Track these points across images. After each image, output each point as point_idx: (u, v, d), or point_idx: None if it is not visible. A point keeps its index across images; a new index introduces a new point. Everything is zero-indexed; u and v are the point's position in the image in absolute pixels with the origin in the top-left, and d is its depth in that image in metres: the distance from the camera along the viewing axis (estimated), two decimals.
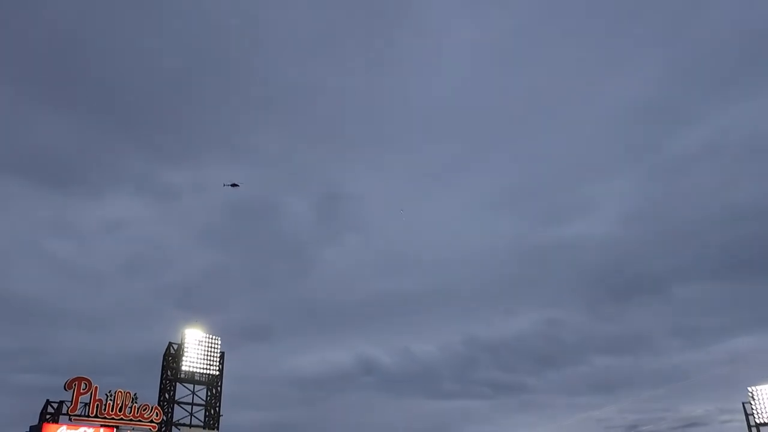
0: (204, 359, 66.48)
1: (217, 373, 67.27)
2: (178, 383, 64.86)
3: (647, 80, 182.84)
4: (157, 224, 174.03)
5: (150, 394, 62.18)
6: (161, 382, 64.03)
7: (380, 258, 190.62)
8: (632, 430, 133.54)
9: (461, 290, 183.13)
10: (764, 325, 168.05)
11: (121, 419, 56.59)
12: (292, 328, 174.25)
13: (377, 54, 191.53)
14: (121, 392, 57.10)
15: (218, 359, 67.65)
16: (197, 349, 66.40)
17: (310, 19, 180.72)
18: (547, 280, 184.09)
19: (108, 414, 55.73)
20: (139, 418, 57.86)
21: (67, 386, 54.21)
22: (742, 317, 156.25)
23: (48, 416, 53.52)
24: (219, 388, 67.19)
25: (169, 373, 64.59)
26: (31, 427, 53.59)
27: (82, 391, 54.67)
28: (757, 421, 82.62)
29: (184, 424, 63.88)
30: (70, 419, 54.04)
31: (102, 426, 55.49)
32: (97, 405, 55.24)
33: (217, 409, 66.30)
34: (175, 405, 63.93)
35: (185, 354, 65.49)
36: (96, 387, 55.52)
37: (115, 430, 56.33)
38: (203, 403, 66.11)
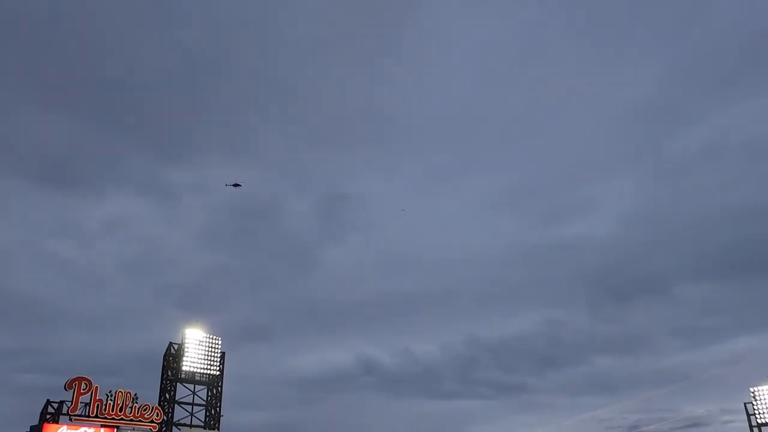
0: (204, 359, 66.38)
1: (218, 373, 67.16)
2: (178, 383, 64.75)
3: (648, 81, 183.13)
4: (158, 224, 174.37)
5: (150, 395, 62.21)
6: (162, 382, 63.94)
7: (381, 258, 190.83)
8: (633, 431, 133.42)
9: (462, 290, 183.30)
10: (765, 325, 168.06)
11: (122, 419, 56.51)
12: (292, 328, 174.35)
13: (380, 55, 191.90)
14: (121, 392, 57.01)
15: (219, 359, 67.53)
16: (198, 349, 66.29)
17: (312, 19, 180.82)
18: (548, 280, 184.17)
19: (108, 414, 55.65)
20: (140, 418, 57.76)
21: (68, 386, 54.15)
22: (743, 317, 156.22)
23: (48, 416, 53.46)
24: (219, 388, 67.07)
25: (169, 373, 64.50)
26: (31, 427, 53.53)
27: (82, 391, 54.61)
28: (759, 422, 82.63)
29: (184, 425, 63.76)
30: (70, 419, 53.98)
31: (102, 426, 55.41)
32: (98, 405, 55.16)
33: (217, 409, 66.18)
34: (176, 405, 63.82)
35: (186, 354, 65.39)
36: (96, 387, 55.46)
37: (115, 430, 56.25)
38: (204, 403, 65.99)
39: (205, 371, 66.31)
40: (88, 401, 54.85)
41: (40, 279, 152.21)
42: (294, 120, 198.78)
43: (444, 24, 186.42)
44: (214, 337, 67.88)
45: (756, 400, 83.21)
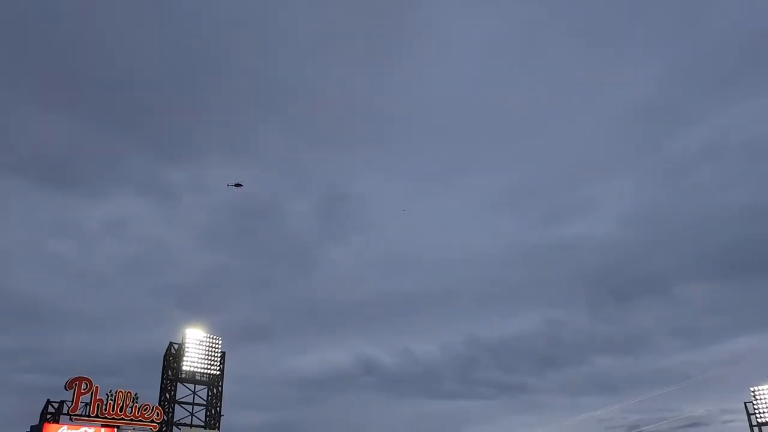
0: (205, 359, 66.40)
1: (218, 373, 67.18)
2: (178, 383, 64.77)
3: (648, 81, 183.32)
4: (158, 224, 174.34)
5: (151, 394, 62.23)
6: (162, 382, 63.95)
7: (381, 258, 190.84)
8: (633, 431, 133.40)
9: (462, 290, 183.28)
10: (765, 324, 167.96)
11: (122, 419, 56.55)
12: (293, 328, 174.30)
13: (380, 55, 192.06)
14: (121, 392, 57.04)
15: (219, 359, 67.56)
16: (198, 349, 66.31)
17: (313, 19, 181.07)
18: (548, 280, 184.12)
19: (109, 414, 55.68)
20: (140, 418, 57.79)
21: (68, 386, 54.19)
22: (743, 317, 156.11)
23: (49, 416, 53.49)
24: (220, 388, 67.08)
25: (169, 373, 64.52)
26: (32, 426, 53.55)
27: (82, 391, 54.64)
28: (759, 421, 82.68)
29: (184, 424, 63.78)
30: (70, 419, 54.02)
31: (103, 426, 55.43)
32: (98, 405, 55.20)
33: (217, 409, 66.20)
34: (176, 405, 63.85)
35: (186, 354, 65.41)
36: (97, 387, 55.49)
37: (115, 430, 56.28)
38: (204, 403, 66.00)
39: (206, 371, 66.34)
40: (89, 401, 54.91)
41: (40, 279, 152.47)
42: (294, 120, 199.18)
43: (444, 24, 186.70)
44: (215, 337, 67.92)
45: (756, 399, 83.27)
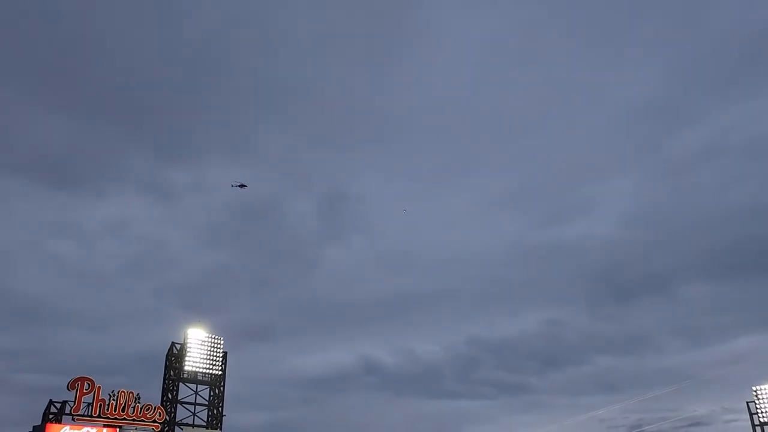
0: (207, 359, 66.34)
1: (220, 373, 67.12)
2: (181, 383, 64.72)
3: (648, 81, 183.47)
4: (159, 224, 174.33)
5: (153, 394, 62.14)
6: (164, 382, 63.88)
7: (383, 258, 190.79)
8: (635, 430, 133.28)
9: (463, 290, 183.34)
10: (767, 324, 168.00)
11: (124, 419, 56.47)
12: (294, 328, 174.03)
13: (380, 55, 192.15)
14: (123, 392, 56.97)
15: (221, 359, 67.50)
16: (200, 349, 66.25)
17: (313, 19, 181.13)
18: (549, 280, 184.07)
19: (111, 414, 55.61)
20: (142, 418, 57.73)
21: (70, 386, 54.12)
22: (745, 317, 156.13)
23: (51, 416, 53.44)
24: (222, 388, 67.02)
25: (172, 373, 64.46)
26: (34, 427, 53.49)
27: (85, 391, 54.57)
28: (762, 420, 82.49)
29: (187, 424, 63.71)
30: (73, 419, 53.96)
31: (105, 426, 55.35)
32: (100, 405, 55.13)
33: (219, 409, 66.14)
34: (178, 405, 63.79)
35: (188, 354, 65.35)
36: (99, 387, 55.41)
37: (118, 430, 56.21)
38: (206, 403, 65.94)
39: (208, 371, 66.27)
40: (91, 401, 54.84)
41: (41, 279, 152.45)
42: (295, 120, 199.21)
43: (444, 24, 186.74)
44: (216, 337, 67.85)
45: (758, 399, 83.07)
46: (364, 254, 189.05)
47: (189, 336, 66.32)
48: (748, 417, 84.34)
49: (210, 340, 67.30)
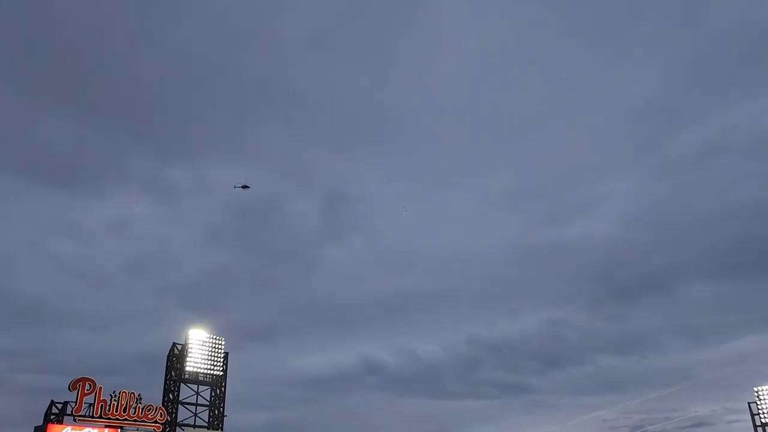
0: (208, 360, 66.34)
1: (221, 373, 67.12)
2: (182, 384, 64.74)
3: (648, 81, 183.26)
4: (161, 224, 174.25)
5: (154, 395, 62.16)
6: (165, 383, 63.88)
7: (384, 258, 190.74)
8: (637, 431, 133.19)
9: (464, 290, 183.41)
10: None
11: (125, 420, 56.48)
12: (295, 328, 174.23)
13: (382, 55, 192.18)
14: (125, 393, 56.97)
15: (222, 360, 67.50)
16: (201, 349, 66.26)
17: (314, 19, 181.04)
18: (550, 280, 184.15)
19: (112, 414, 55.62)
20: (143, 419, 57.74)
21: (72, 387, 54.10)
22: (747, 316, 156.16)
23: (52, 417, 53.42)
24: (223, 389, 67.02)
25: (173, 373, 64.46)
26: (35, 427, 53.49)
27: (86, 391, 54.56)
28: (763, 421, 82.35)
29: (188, 425, 63.70)
30: (74, 420, 53.94)
31: (106, 426, 55.35)
32: (102, 405, 55.13)
33: (221, 409, 66.14)
34: (179, 405, 63.78)
35: (189, 354, 65.35)
36: (100, 387, 55.40)
37: (119, 430, 56.22)
38: (207, 403, 65.94)
39: (209, 372, 66.27)
40: (92, 402, 54.84)
41: (42, 279, 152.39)
42: (295, 120, 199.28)
43: (444, 24, 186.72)
44: (218, 338, 67.85)
45: (760, 399, 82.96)
46: (365, 254, 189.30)
47: (190, 336, 66.32)
48: (750, 417, 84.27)
49: (211, 340, 67.30)
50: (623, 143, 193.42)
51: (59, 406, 53.99)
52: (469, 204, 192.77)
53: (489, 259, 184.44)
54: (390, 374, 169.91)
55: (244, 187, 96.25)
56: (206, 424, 64.81)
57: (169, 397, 63.27)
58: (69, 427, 53.45)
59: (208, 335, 67.46)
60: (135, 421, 57.09)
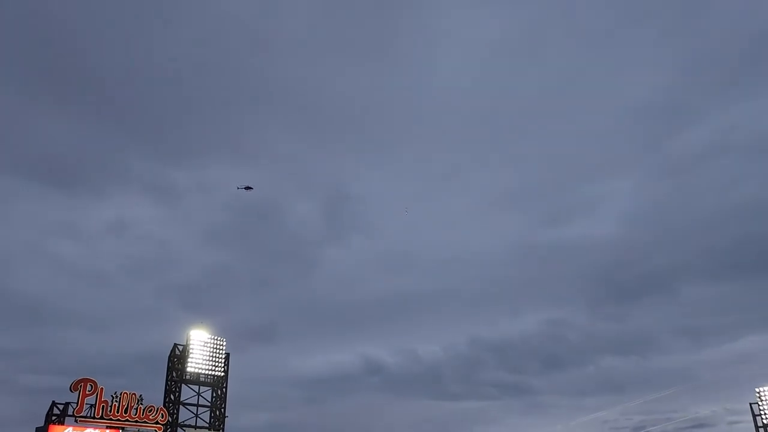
0: (209, 360, 66.34)
1: (222, 374, 67.11)
2: (183, 384, 64.75)
3: (649, 81, 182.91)
4: (162, 225, 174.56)
5: (155, 396, 62.25)
6: (166, 384, 63.92)
7: (384, 258, 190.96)
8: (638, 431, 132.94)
9: (465, 290, 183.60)
10: None
11: (127, 420, 56.48)
12: (296, 328, 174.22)
13: (382, 56, 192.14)
14: (126, 393, 56.98)
15: (223, 360, 67.48)
16: (202, 350, 66.27)
17: (316, 20, 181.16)
18: (551, 280, 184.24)
19: (113, 415, 55.63)
20: (145, 420, 57.73)
21: (73, 387, 54.13)
22: (748, 317, 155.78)
23: (54, 417, 53.44)
24: (224, 390, 67.01)
25: (174, 374, 64.48)
26: (37, 428, 53.52)
27: (87, 392, 54.58)
28: (765, 422, 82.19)
29: (189, 426, 63.67)
30: (75, 420, 53.95)
31: (108, 427, 55.36)
32: (103, 406, 55.14)
33: (222, 410, 66.12)
34: (181, 406, 63.78)
35: (190, 355, 65.36)
36: (102, 388, 55.42)
37: (120, 431, 56.23)
38: (208, 404, 65.94)
39: (210, 372, 66.26)
40: (94, 402, 54.87)
41: (44, 280, 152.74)
42: (296, 121, 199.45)
43: (446, 25, 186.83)
44: (219, 339, 67.85)
45: (761, 400, 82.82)
46: (365, 254, 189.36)
47: (191, 337, 66.34)
48: (752, 418, 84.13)
49: (212, 341, 67.30)
50: (624, 143, 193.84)
51: (60, 406, 54.03)
52: (469, 204, 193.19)
53: (489, 259, 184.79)
54: (390, 375, 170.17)
55: (247, 188, 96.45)
56: (207, 425, 64.79)
57: (171, 398, 63.29)
58: (70, 428, 53.47)
59: (209, 336, 67.46)
60: (136, 422, 57.07)
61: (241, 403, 76.95)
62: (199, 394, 65.70)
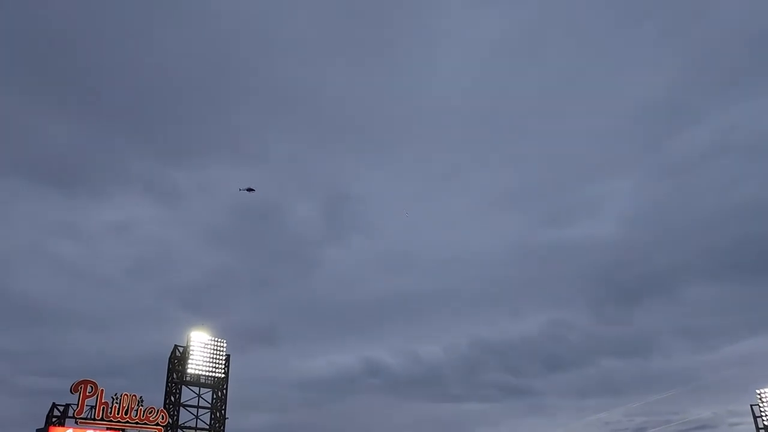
0: (209, 362, 66.33)
1: (223, 375, 67.09)
2: (183, 386, 64.74)
3: (650, 81, 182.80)
4: (163, 226, 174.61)
5: (156, 397, 62.23)
6: (167, 385, 63.90)
7: (385, 259, 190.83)
8: None
9: (465, 291, 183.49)
10: None
11: (127, 422, 56.49)
12: (297, 330, 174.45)
13: (382, 57, 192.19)
14: (126, 395, 57.00)
15: (224, 362, 67.46)
16: (203, 351, 66.26)
17: (316, 21, 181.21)
18: (553, 281, 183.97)
19: (114, 417, 55.64)
20: (145, 421, 57.75)
21: (73, 389, 54.16)
22: (750, 318, 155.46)
23: (54, 419, 53.45)
24: (224, 391, 67.00)
25: (174, 376, 64.47)
26: (37, 430, 53.53)
27: (88, 394, 54.61)
28: (766, 424, 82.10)
29: (189, 428, 63.67)
30: (76, 422, 53.99)
31: (108, 429, 55.39)
32: (103, 408, 55.16)
33: (222, 412, 66.11)
34: (181, 408, 63.78)
35: (191, 357, 65.35)
36: (102, 390, 55.45)
37: None
38: (209, 406, 65.92)
39: (210, 374, 66.26)
40: (94, 404, 54.90)
41: (45, 281, 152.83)
42: (296, 122, 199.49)
43: (446, 25, 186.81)
44: (219, 340, 67.84)
45: (762, 402, 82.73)
46: (367, 256, 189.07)
47: (192, 339, 66.33)
48: (752, 420, 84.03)
49: (213, 343, 67.30)
50: (624, 143, 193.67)
51: (61, 408, 54.05)
52: (469, 204, 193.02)
53: (489, 260, 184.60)
54: (391, 376, 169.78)
55: (249, 189, 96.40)
56: (208, 427, 64.79)
57: (171, 400, 63.28)
58: (71, 430, 53.49)
59: (210, 337, 67.47)
60: (137, 423, 57.09)
61: (242, 405, 77.09)
62: (199, 395, 65.71)
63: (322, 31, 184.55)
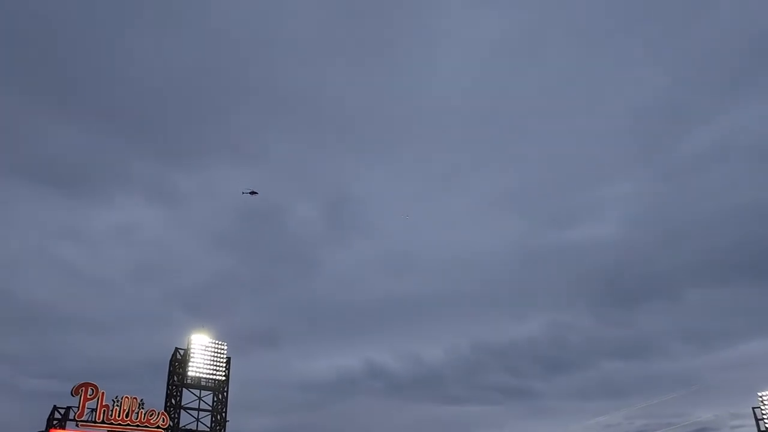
0: (210, 365, 66.42)
1: (224, 378, 67.12)
2: (184, 389, 64.79)
3: (652, 83, 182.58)
4: (165, 229, 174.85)
5: (156, 400, 62.35)
6: (168, 388, 63.99)
7: (387, 261, 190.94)
8: None
9: (467, 292, 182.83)
10: None
11: (128, 425, 56.57)
12: (298, 332, 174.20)
13: (383, 58, 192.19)
14: (127, 398, 57.10)
15: (224, 364, 67.52)
16: (203, 354, 66.36)
17: (316, 22, 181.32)
18: (553, 282, 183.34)
19: (115, 420, 55.74)
20: (146, 424, 57.82)
21: (74, 392, 54.33)
22: (752, 321, 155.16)
23: (55, 422, 53.59)
24: (225, 394, 67.01)
25: (175, 378, 64.53)
26: None
27: (89, 396, 54.76)
28: (767, 426, 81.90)
29: (190, 430, 63.67)
30: (77, 425, 54.16)
31: (109, 431, 55.53)
32: (104, 411, 55.29)
33: (223, 414, 66.13)
34: (182, 410, 63.80)
35: (191, 359, 65.44)
36: (103, 393, 55.58)
37: None
38: (209, 408, 65.92)
39: (211, 376, 66.31)
40: (95, 407, 55.06)
41: (47, 284, 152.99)
42: (297, 121, 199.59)
43: (446, 25, 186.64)
44: (220, 342, 67.92)
45: (764, 404, 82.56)
46: (369, 257, 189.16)
47: (193, 341, 66.41)
48: (754, 423, 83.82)
49: (214, 345, 67.37)
50: (626, 146, 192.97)
51: (62, 411, 54.20)
52: (470, 206, 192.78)
53: (490, 261, 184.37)
54: (393, 378, 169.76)
55: (252, 193, 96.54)
56: (208, 429, 64.77)
57: (172, 402, 63.34)
58: None
59: (211, 340, 67.54)
60: (137, 426, 57.17)
61: (243, 407, 77.09)
62: (200, 398, 65.72)
63: (322, 31, 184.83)
